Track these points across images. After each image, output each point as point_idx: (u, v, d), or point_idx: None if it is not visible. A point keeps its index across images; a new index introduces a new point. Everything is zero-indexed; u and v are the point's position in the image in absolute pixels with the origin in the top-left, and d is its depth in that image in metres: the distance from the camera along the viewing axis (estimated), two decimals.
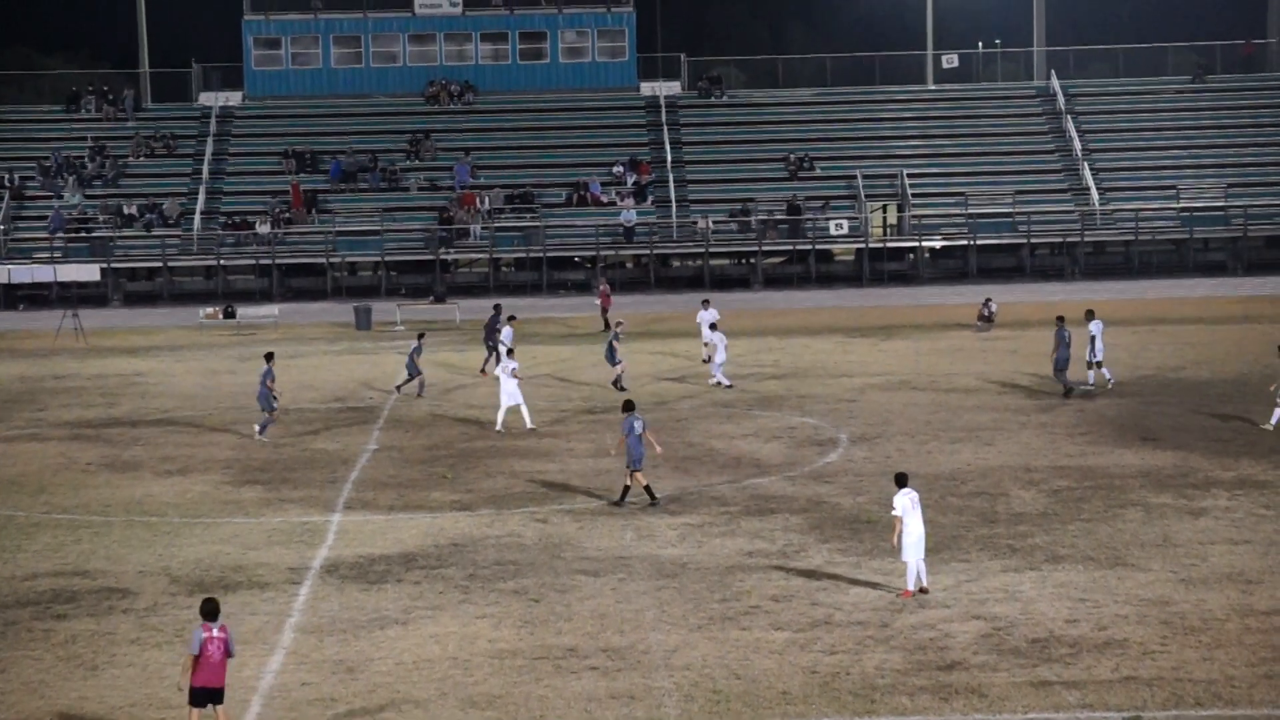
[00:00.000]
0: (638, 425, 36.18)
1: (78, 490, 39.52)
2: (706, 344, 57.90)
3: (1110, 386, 51.11)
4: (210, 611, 21.98)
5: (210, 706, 21.80)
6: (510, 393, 46.38)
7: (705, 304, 61.12)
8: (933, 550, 29.51)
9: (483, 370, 57.57)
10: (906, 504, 28.42)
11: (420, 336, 55.84)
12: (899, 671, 24.64)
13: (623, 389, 52.24)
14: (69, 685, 24.87)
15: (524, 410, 46.47)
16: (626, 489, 36.46)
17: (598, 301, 73.72)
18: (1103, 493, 36.60)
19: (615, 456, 38.60)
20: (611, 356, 54.37)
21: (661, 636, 26.57)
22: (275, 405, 46.47)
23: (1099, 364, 51.25)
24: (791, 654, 25.52)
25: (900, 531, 28.33)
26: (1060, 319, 51.93)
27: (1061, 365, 50.26)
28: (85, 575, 31.29)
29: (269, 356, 47.74)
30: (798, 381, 54.93)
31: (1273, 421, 43.56)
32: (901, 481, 28.88)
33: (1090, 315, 51.68)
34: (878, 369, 57.66)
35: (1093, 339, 50.88)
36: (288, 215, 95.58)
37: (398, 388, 53.67)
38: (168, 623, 27.80)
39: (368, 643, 26.56)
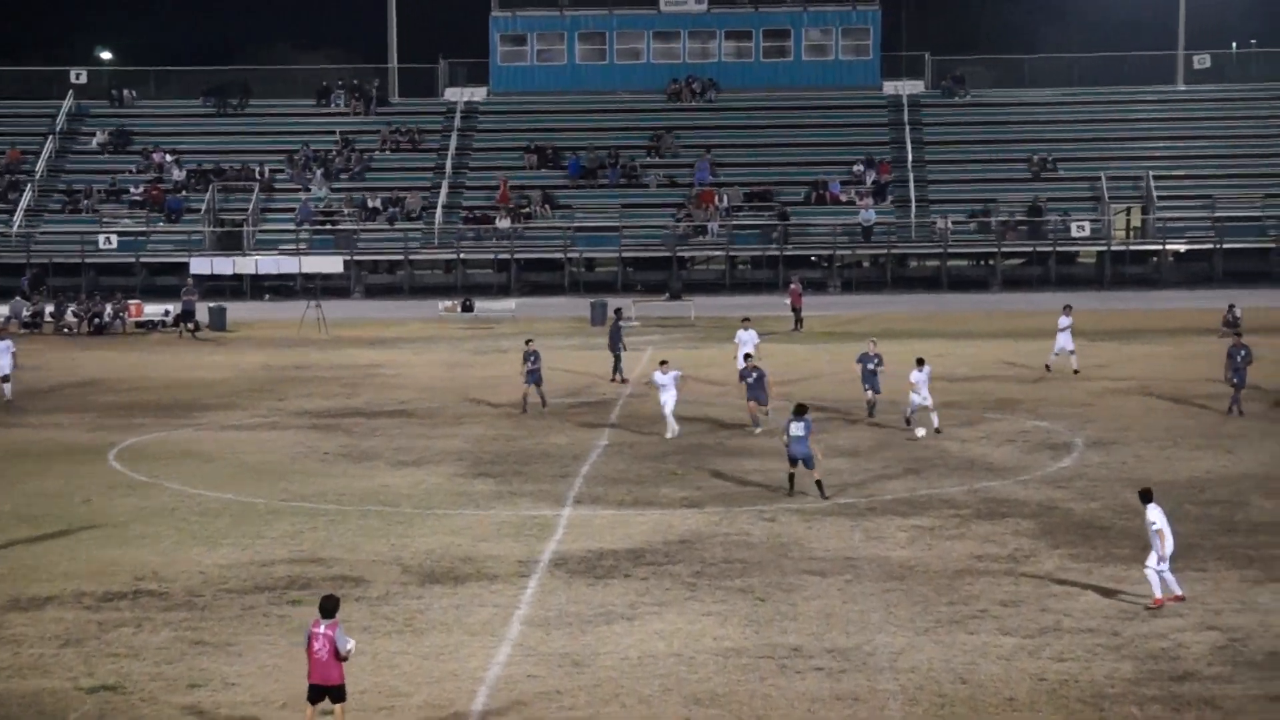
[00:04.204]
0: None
1: (316, 479, 40.22)
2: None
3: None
4: (328, 609, 22.03)
5: (330, 703, 22.02)
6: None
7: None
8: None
9: (614, 378, 56.06)
10: (1159, 515, 27.91)
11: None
12: (1129, 681, 24.19)
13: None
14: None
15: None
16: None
17: (787, 300, 73.67)
18: None
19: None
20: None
21: (887, 639, 26.37)
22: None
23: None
24: (1019, 660, 25.19)
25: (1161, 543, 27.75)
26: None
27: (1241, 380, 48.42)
28: (320, 563, 31.82)
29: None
30: (1034, 385, 54.22)
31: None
32: (1146, 498, 28.32)
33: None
34: (1117, 373, 56.74)
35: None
36: (526, 210, 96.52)
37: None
38: (398, 612, 28.17)
39: (594, 637, 26.68)
